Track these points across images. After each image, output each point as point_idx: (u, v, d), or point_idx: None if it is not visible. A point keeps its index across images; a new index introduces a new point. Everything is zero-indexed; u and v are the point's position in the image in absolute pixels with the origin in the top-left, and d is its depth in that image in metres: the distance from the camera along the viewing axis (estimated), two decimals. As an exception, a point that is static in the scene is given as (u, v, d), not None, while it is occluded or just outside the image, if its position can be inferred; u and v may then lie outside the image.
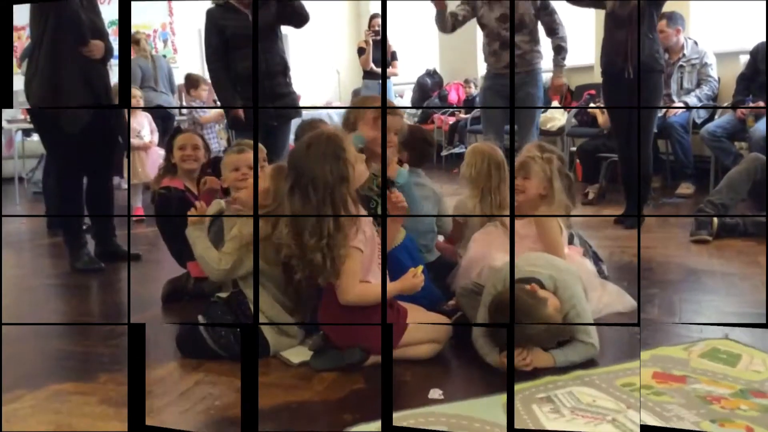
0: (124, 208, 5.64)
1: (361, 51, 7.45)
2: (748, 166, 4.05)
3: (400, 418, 1.85)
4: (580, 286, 2.31)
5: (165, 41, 9.67)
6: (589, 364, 2.18)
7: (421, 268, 2.26)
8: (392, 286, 2.20)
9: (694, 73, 5.47)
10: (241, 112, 4.08)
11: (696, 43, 5.54)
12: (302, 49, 9.30)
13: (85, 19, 3.67)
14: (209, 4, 4.17)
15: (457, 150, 7.83)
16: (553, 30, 4.49)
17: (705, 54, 5.45)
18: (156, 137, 5.64)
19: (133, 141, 5.17)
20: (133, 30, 8.02)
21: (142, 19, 9.19)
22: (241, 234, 2.45)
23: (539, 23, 4.49)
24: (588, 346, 2.21)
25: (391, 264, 2.33)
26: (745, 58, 5.35)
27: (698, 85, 5.45)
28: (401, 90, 9.33)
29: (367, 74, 7.46)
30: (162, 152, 5.28)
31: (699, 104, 5.34)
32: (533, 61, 4.52)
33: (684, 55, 5.45)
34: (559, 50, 4.52)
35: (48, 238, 4.79)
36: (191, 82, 6.69)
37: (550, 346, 2.21)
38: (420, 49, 9.65)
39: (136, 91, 5.43)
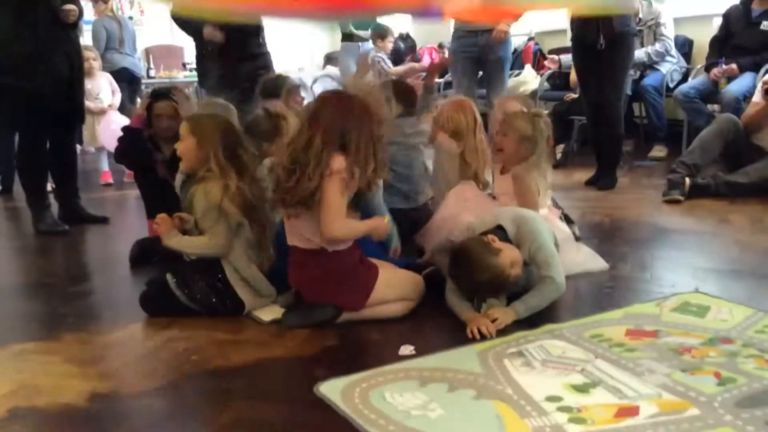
0: (88, 171, 5.56)
1: (340, 13, 7.33)
2: (721, 127, 4.07)
3: (369, 376, 1.83)
4: (543, 226, 2.31)
5: (132, 2, 9.41)
6: (552, 312, 2.21)
7: (387, 218, 2.31)
8: (362, 225, 2.22)
9: (651, 34, 5.45)
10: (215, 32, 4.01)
11: (651, 3, 5.51)
12: (273, 12, 9.11)
13: None
14: None
15: (430, 113, 7.79)
16: None
17: (659, 14, 5.41)
18: (117, 99, 5.47)
19: (90, 104, 5.00)
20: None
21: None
22: (209, 204, 2.33)
23: None
24: (548, 284, 2.20)
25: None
26: (717, 21, 5.35)
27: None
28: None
29: (346, 36, 7.34)
30: (119, 118, 5.13)
31: (646, 59, 5.35)
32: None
33: (640, 19, 5.41)
34: None
35: (3, 202, 4.67)
36: (380, 32, 6.39)
37: (507, 294, 2.22)
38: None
39: (89, 53, 5.20)
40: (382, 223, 2.26)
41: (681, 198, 3.81)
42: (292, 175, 2.11)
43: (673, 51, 5.57)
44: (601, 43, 4.08)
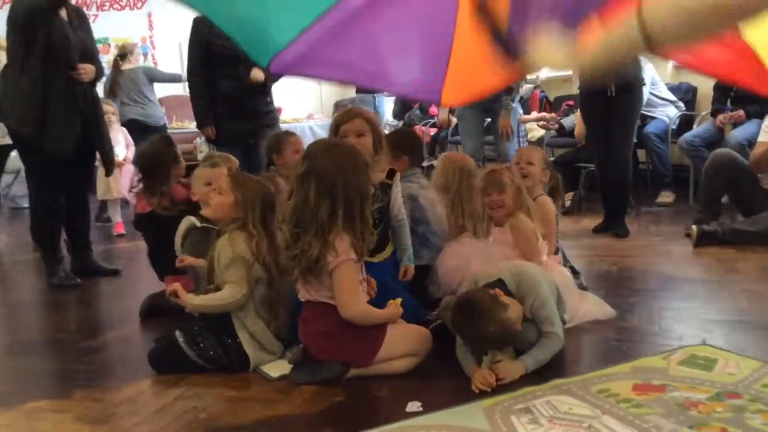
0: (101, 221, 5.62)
1: (353, 64, 7.46)
2: (715, 160, 4.19)
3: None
4: (544, 281, 2.33)
5: (145, 55, 9.62)
6: (558, 366, 2.23)
7: (399, 300, 2.30)
8: (379, 313, 2.24)
9: None
10: (210, 131, 4.15)
11: None
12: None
13: (75, 42, 3.64)
14: (191, 17, 4.16)
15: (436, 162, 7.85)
16: None
17: None
18: (131, 153, 5.55)
19: None
20: (112, 42, 7.96)
21: (122, 32, 9.14)
22: (237, 254, 2.39)
23: None
24: (553, 339, 2.24)
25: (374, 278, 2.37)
26: (721, 68, 5.40)
27: None
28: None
29: (360, 88, 7.48)
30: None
31: None
32: None
33: None
34: (509, 90, 4.64)
35: (31, 253, 4.73)
36: None
37: (514, 347, 2.24)
38: (401, 61, 9.68)
39: (108, 107, 5.33)
40: (398, 312, 2.28)
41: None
42: (298, 240, 2.16)
43: (666, 95, 5.61)
44: (612, 90, 4.13)
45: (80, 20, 3.79)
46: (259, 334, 2.41)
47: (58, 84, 3.60)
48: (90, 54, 3.80)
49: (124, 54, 6.69)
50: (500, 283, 2.28)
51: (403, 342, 2.28)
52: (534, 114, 6.66)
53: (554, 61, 1.62)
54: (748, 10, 1.20)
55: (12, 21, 3.57)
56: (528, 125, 6.36)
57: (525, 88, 6.43)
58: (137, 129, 6.47)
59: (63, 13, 3.63)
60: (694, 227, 3.89)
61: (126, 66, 6.51)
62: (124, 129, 5.67)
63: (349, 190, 2.15)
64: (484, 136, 4.92)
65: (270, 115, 4.30)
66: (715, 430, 1.77)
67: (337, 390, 2.16)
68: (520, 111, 5.26)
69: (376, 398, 2.12)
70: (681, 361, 2.23)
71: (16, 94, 3.61)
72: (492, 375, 2.11)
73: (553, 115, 6.16)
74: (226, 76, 4.09)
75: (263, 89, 4.23)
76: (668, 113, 5.56)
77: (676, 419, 1.83)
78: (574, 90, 5.02)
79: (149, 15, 9.60)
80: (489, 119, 4.93)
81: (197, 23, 4.11)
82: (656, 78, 5.59)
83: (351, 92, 9.18)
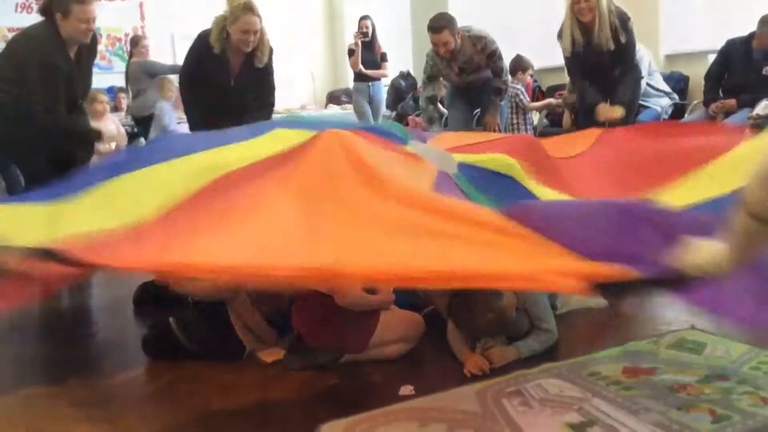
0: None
1: (350, 53, 7.48)
2: None
3: (369, 417, 1.85)
4: None
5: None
6: (550, 351, 2.26)
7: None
8: (373, 299, 2.26)
9: None
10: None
11: None
12: (276, 52, 9.27)
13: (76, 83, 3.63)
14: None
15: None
16: (497, 74, 4.78)
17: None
18: (125, 142, 5.56)
19: (100, 147, 5.07)
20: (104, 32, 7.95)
21: (113, 22, 9.11)
22: None
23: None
24: (548, 334, 2.28)
25: None
26: (713, 58, 5.41)
27: None
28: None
29: (357, 76, 7.49)
30: None
31: None
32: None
33: None
34: (498, 92, 4.80)
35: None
36: (521, 64, 6.26)
37: (507, 336, 2.27)
38: (394, 52, 9.67)
39: (103, 96, 5.32)
40: (390, 298, 2.31)
41: None
42: None
43: (661, 85, 5.63)
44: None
45: (89, 51, 3.76)
46: (254, 324, 2.41)
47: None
48: (85, 84, 3.80)
49: (137, 41, 6.69)
50: None
51: (395, 328, 2.30)
52: (541, 102, 6.69)
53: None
54: None
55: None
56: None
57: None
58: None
59: (72, 53, 3.60)
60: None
61: (134, 59, 6.52)
62: (116, 119, 5.68)
63: None
64: (473, 126, 4.98)
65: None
66: (703, 411, 1.79)
67: (331, 375, 2.18)
68: (508, 109, 5.35)
69: (370, 383, 2.15)
70: (670, 345, 2.26)
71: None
72: (485, 361, 2.14)
73: (558, 101, 6.17)
74: (211, 93, 4.06)
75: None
76: (661, 103, 5.58)
77: (665, 401, 1.86)
78: (567, 79, 5.05)
79: (141, 5, 9.56)
80: (478, 111, 5.00)
81: (202, 37, 4.03)
82: (653, 67, 5.61)
83: (345, 82, 9.15)
